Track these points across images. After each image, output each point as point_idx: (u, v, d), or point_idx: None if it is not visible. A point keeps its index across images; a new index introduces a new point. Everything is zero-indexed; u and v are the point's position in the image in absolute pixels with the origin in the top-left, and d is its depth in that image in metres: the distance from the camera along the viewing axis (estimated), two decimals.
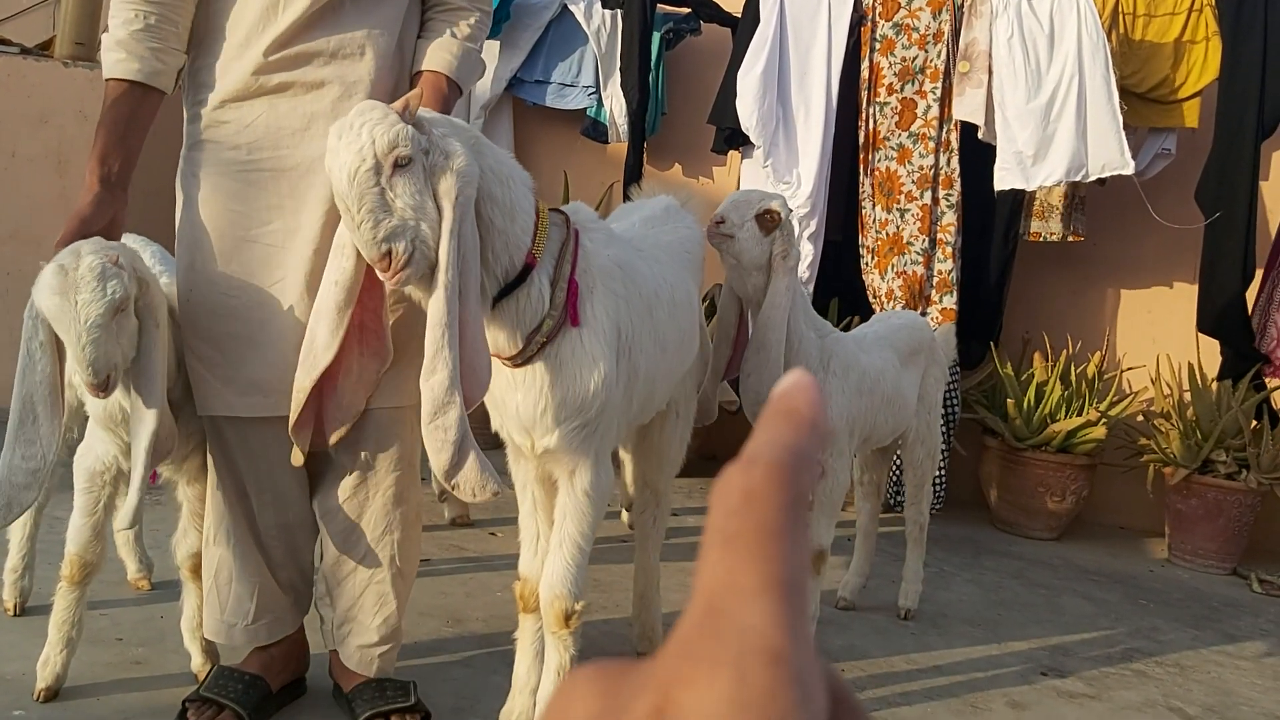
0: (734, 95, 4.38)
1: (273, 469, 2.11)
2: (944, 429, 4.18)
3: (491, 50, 4.98)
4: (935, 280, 4.31)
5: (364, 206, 1.66)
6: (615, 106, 4.91)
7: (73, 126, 4.32)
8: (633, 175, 4.88)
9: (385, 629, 2.22)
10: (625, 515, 3.69)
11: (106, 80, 1.94)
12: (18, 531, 2.50)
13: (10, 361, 4.13)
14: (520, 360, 1.90)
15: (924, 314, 4.27)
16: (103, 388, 1.77)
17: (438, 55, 2.11)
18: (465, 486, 1.75)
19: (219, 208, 2.05)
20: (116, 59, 1.93)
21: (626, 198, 4.96)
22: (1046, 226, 4.54)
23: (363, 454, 2.14)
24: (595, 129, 5.07)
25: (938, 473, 4.14)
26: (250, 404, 2.07)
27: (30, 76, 4.36)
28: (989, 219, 4.48)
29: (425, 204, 1.70)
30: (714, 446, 4.37)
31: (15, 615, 2.48)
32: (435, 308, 1.69)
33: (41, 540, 2.55)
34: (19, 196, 4.35)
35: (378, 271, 1.70)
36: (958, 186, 4.30)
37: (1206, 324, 4.36)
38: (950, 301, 4.28)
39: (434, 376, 1.70)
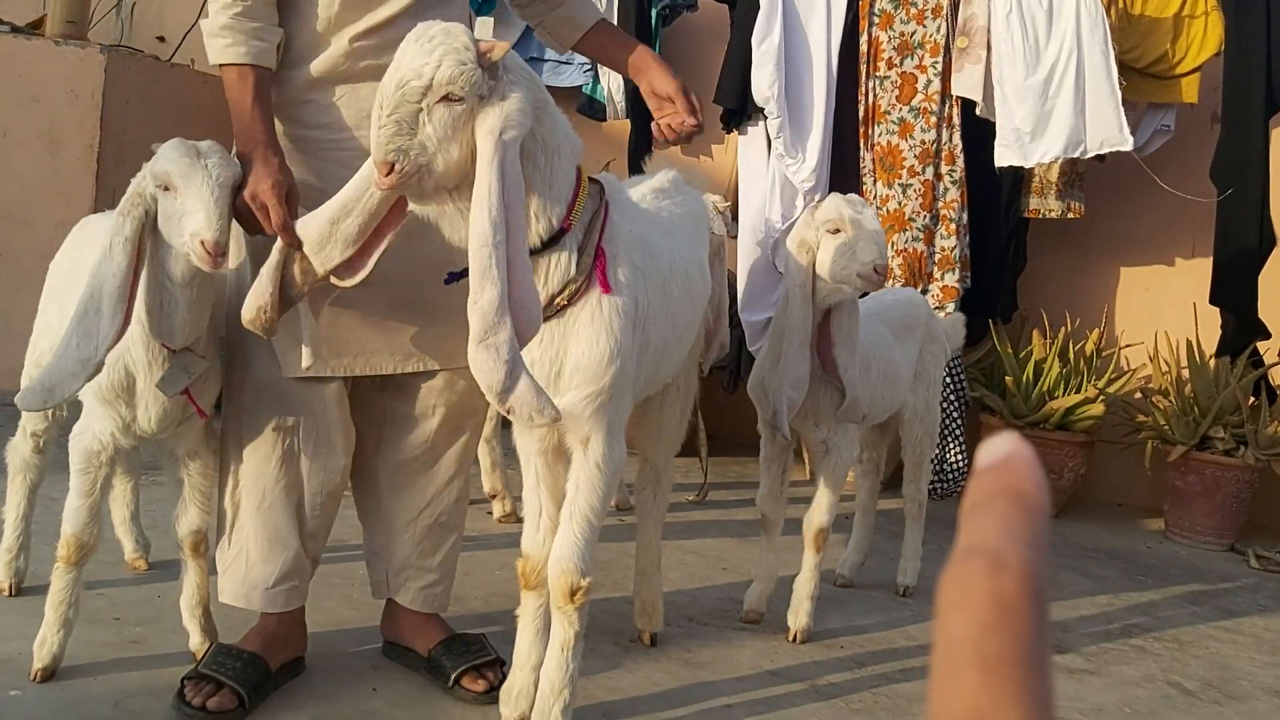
0: (735, 69, 4.34)
1: (331, 432, 2.19)
2: (957, 413, 4.16)
3: (486, 27, 4.95)
4: (937, 257, 4.28)
5: (394, 115, 1.69)
6: (613, 83, 4.88)
7: (65, 106, 4.28)
8: (638, 152, 4.86)
9: (445, 566, 2.38)
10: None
11: (221, 66, 1.98)
12: (12, 511, 2.48)
13: (4, 343, 4.12)
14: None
15: (925, 291, 4.25)
16: (220, 254, 1.83)
17: (587, 10, 2.32)
18: (521, 408, 1.70)
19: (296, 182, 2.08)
20: (224, 44, 1.97)
21: (636, 174, 4.96)
22: (1045, 203, 4.52)
23: (444, 408, 2.25)
24: (591, 106, 5.04)
25: (960, 456, 4.12)
26: (324, 364, 2.14)
27: (21, 56, 4.32)
28: (993, 196, 4.46)
29: (452, 142, 1.72)
30: (713, 426, 4.36)
31: (11, 595, 2.46)
32: (479, 230, 1.68)
33: (37, 520, 2.54)
34: (11, 177, 4.32)
35: (375, 173, 1.74)
36: (961, 162, 4.27)
37: (1221, 297, 4.35)
38: (953, 279, 4.26)
39: (482, 297, 1.67)
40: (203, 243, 1.83)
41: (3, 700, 2.03)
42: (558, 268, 1.88)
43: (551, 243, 1.87)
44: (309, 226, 1.86)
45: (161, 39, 5.55)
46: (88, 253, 2.27)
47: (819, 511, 2.76)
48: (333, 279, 1.91)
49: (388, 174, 1.71)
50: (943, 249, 4.28)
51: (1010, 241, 4.64)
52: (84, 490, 2.09)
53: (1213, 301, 4.39)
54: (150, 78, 4.60)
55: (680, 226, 2.32)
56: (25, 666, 2.11)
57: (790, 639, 2.74)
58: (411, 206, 1.82)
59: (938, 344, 3.16)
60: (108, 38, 5.33)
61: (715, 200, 3.41)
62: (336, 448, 2.22)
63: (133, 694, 2.11)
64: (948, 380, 4.15)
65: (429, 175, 1.73)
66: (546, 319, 1.90)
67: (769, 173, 4.41)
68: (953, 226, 4.27)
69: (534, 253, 1.86)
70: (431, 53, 1.69)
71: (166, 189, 1.87)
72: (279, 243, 1.89)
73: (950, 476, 4.13)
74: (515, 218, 1.72)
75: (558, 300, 1.89)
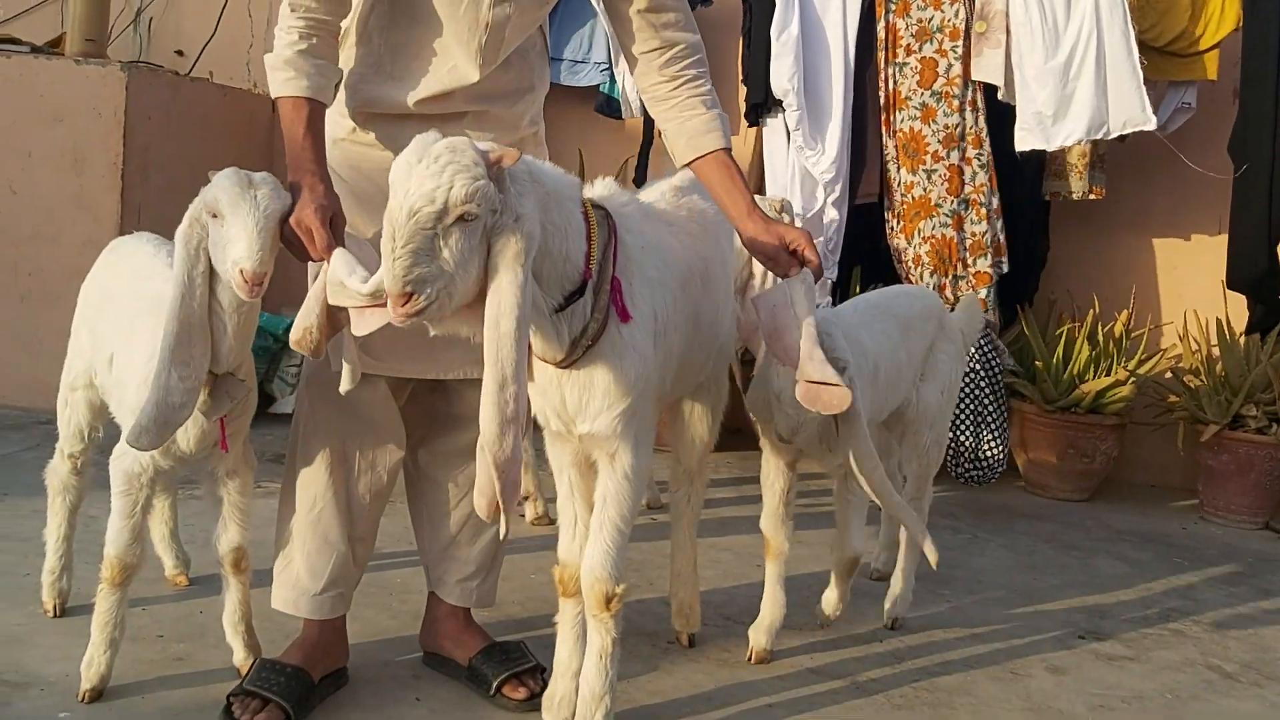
0: (763, 60, 4.33)
1: (381, 433, 2.25)
2: (990, 400, 4.13)
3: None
4: (969, 242, 4.24)
5: (409, 245, 1.61)
6: (629, 82, 4.86)
7: (87, 124, 4.31)
8: (646, 150, 4.86)
9: (482, 558, 2.40)
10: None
11: (279, 98, 2.02)
12: (53, 533, 2.51)
13: (32, 359, 4.18)
14: (566, 364, 1.91)
15: (957, 279, 4.22)
16: (259, 283, 1.87)
17: (714, 136, 2.19)
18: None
19: (349, 205, 2.09)
20: (285, 78, 2.00)
21: (642, 171, 4.90)
22: (1065, 185, 4.48)
23: None
24: (609, 105, 5.03)
25: (997, 445, 4.09)
26: (384, 365, 2.18)
27: (42, 75, 4.35)
28: (1018, 180, 4.42)
29: (470, 261, 1.66)
30: (739, 419, 4.35)
31: (56, 616, 2.49)
32: (500, 370, 1.65)
33: (78, 540, 2.56)
34: (36, 197, 4.35)
35: (390, 302, 1.66)
36: (987, 145, 4.23)
37: (1236, 280, 4.32)
38: (985, 264, 4.22)
39: (501, 445, 1.66)
40: (242, 271, 1.85)
41: None
42: (577, 314, 1.87)
43: (574, 295, 1.86)
44: (338, 262, 1.85)
45: (180, 53, 5.58)
46: (120, 276, 2.30)
47: (849, 539, 2.55)
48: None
49: (405, 304, 1.63)
50: (973, 234, 4.24)
51: (1038, 226, 4.61)
52: (125, 512, 2.12)
53: (1230, 286, 4.37)
54: (170, 92, 4.62)
55: (697, 224, 2.30)
56: (73, 688, 2.14)
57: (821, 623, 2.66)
58: (433, 333, 1.77)
59: (953, 343, 2.87)
60: (126, 54, 5.36)
61: (772, 201, 3.41)
62: (385, 448, 2.27)
63: (180, 712, 2.13)
64: (979, 368, 4.13)
65: (449, 300, 1.66)
66: (573, 362, 1.91)
67: (789, 164, 4.40)
68: (983, 211, 4.23)
69: (557, 310, 1.85)
70: (441, 173, 1.62)
71: (215, 216, 1.90)
72: (325, 266, 1.90)
73: (986, 464, 4.10)
74: (524, 345, 1.69)
75: (582, 342, 1.89)
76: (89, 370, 2.35)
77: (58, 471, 2.51)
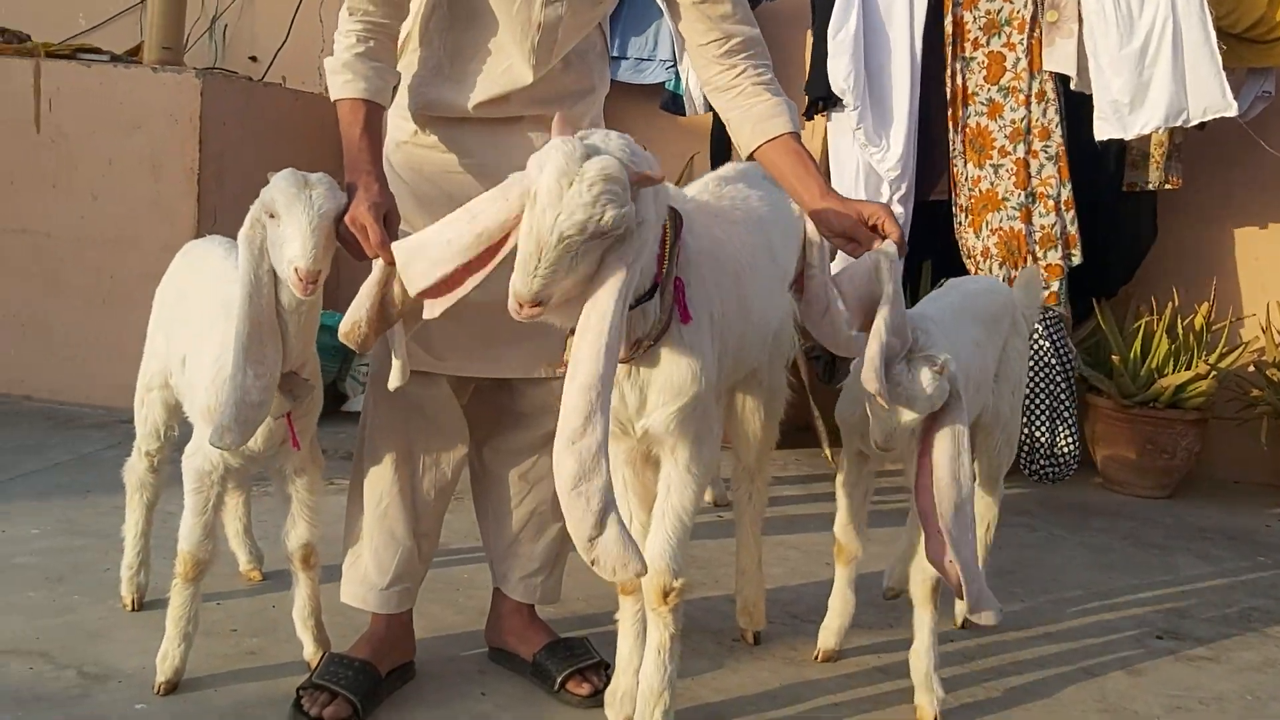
0: (821, 58, 4.30)
1: (444, 430, 2.28)
2: (1065, 393, 4.05)
3: None
4: (1037, 235, 4.16)
5: (551, 264, 1.62)
6: (694, 79, 4.85)
7: (165, 131, 4.41)
8: (719, 145, 4.84)
9: (546, 554, 2.41)
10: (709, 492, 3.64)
11: (338, 101, 2.05)
12: (131, 529, 2.57)
13: (113, 360, 4.28)
14: (625, 360, 1.90)
15: None
16: (313, 281, 1.90)
17: (781, 121, 2.15)
18: (605, 562, 1.67)
19: (410, 207, 2.13)
20: (343, 80, 2.03)
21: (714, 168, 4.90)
22: (1143, 176, 4.38)
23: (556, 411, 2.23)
24: (674, 102, 5.03)
25: (1070, 440, 4.01)
26: (446, 364, 2.21)
27: (121, 84, 4.46)
28: (1096, 171, 4.33)
29: (592, 268, 1.68)
30: (807, 417, 4.33)
31: (134, 610, 2.55)
32: (588, 369, 1.65)
33: (156, 536, 2.62)
34: (117, 202, 4.47)
35: (511, 301, 1.66)
36: (1056, 137, 4.15)
37: None
38: (1055, 257, 4.14)
39: (582, 441, 1.64)
40: (296, 270, 1.88)
41: (129, 714, 2.11)
42: (649, 314, 1.87)
43: (645, 297, 1.85)
44: (402, 248, 1.88)
45: (254, 59, 5.69)
46: (193, 278, 2.35)
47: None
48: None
49: (533, 308, 1.65)
50: (1042, 227, 4.16)
51: (1120, 216, 4.50)
52: (198, 509, 2.17)
53: None
54: (245, 98, 4.71)
55: (741, 212, 2.28)
56: (149, 680, 2.19)
57: None
58: (522, 315, 1.70)
59: (1022, 339, 2.76)
60: (202, 61, 5.48)
61: None
62: (449, 445, 2.30)
63: (252, 704, 2.17)
64: (1054, 362, 4.05)
65: (563, 299, 1.69)
66: (630, 361, 1.91)
67: (854, 160, 4.36)
68: (1051, 203, 4.15)
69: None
70: (595, 203, 1.60)
71: (272, 216, 1.93)
72: (379, 261, 1.92)
73: (1061, 460, 4.02)
74: (616, 347, 1.69)
75: (644, 343, 1.88)
76: (164, 371, 2.41)
77: (135, 469, 2.57)
